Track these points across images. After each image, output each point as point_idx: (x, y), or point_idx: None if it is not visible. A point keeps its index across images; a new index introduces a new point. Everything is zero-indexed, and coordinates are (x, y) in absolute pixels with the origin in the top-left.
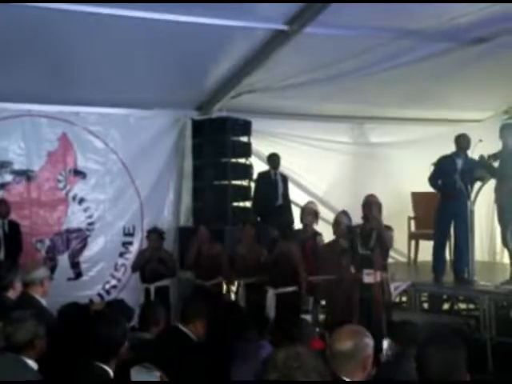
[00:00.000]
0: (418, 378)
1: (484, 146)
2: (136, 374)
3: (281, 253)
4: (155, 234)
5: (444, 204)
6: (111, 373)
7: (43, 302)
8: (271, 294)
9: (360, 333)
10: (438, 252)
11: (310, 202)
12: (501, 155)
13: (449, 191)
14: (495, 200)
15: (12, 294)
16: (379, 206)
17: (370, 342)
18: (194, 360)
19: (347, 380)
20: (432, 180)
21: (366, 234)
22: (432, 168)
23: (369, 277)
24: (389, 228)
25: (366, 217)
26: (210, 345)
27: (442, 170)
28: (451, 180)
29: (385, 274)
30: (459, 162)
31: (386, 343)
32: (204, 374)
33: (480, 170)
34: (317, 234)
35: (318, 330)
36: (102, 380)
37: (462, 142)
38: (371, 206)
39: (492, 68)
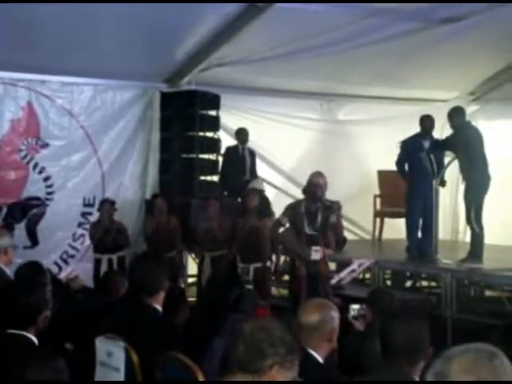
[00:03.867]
0: (382, 352)
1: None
2: (100, 343)
3: (252, 227)
4: (109, 204)
5: (414, 185)
6: (34, 339)
7: (7, 270)
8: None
9: (326, 306)
10: (413, 232)
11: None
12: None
13: (417, 171)
14: (462, 178)
15: None
16: (326, 186)
17: (335, 315)
18: (159, 331)
19: (312, 353)
20: (399, 165)
21: (311, 213)
22: (399, 148)
23: (316, 253)
24: (337, 204)
25: (313, 197)
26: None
27: (409, 151)
28: (418, 159)
29: (327, 250)
30: (425, 143)
31: (354, 306)
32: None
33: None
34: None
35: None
36: (24, 345)
37: (426, 123)
38: (321, 186)
39: (459, 49)
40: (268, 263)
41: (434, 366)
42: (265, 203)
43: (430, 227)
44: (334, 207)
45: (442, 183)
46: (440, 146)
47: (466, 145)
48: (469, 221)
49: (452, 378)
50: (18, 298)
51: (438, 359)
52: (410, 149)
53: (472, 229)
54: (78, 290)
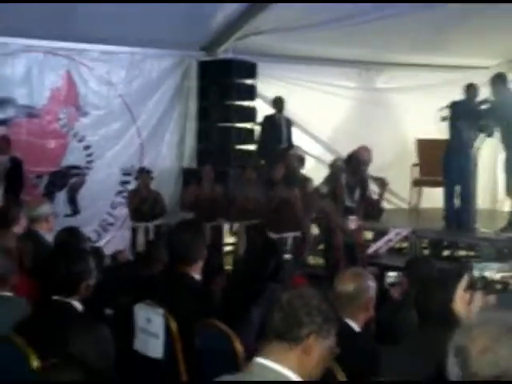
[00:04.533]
0: (419, 321)
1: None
2: (139, 310)
3: (282, 198)
4: (146, 173)
5: (451, 153)
6: (78, 305)
7: (48, 237)
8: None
9: (362, 275)
10: (450, 201)
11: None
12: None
13: (454, 140)
14: (503, 147)
15: (17, 230)
16: (370, 162)
17: (372, 284)
18: (197, 299)
19: (349, 322)
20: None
21: (351, 186)
22: (442, 113)
23: (352, 223)
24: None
25: (354, 170)
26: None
27: (454, 114)
28: (456, 127)
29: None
30: (467, 110)
31: (391, 273)
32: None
33: (485, 119)
34: (306, 180)
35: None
36: (69, 314)
37: (471, 91)
38: (366, 162)
39: (500, 15)
40: (302, 233)
41: (454, 339)
42: (294, 172)
43: (467, 196)
44: (378, 182)
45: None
46: (481, 116)
47: (508, 113)
48: (508, 190)
49: (471, 356)
50: (60, 266)
51: (459, 331)
52: (454, 112)
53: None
54: (123, 263)
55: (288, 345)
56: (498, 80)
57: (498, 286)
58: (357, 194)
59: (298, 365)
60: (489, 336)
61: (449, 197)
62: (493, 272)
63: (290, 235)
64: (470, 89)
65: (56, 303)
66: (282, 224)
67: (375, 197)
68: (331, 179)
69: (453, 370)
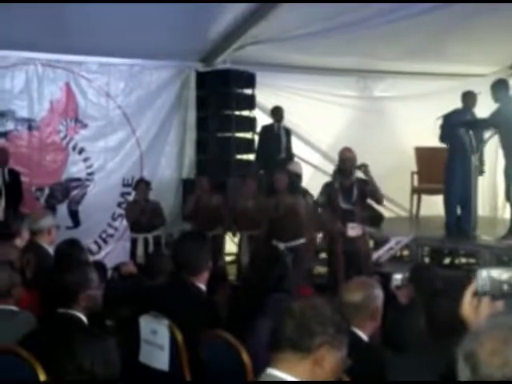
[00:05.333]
0: (427, 326)
1: (487, 100)
2: (144, 322)
3: (288, 206)
4: (144, 184)
5: (453, 161)
6: (83, 317)
7: (50, 250)
8: (282, 247)
9: (370, 284)
10: (452, 208)
11: (292, 164)
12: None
13: (456, 147)
14: (504, 154)
15: (19, 243)
16: (356, 159)
17: (379, 293)
18: (203, 310)
19: (357, 331)
20: (442, 138)
21: (346, 188)
22: (439, 122)
23: (353, 230)
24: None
25: (344, 172)
26: (246, 291)
27: (449, 124)
28: (457, 136)
29: (366, 227)
30: (465, 119)
31: (397, 276)
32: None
33: (485, 126)
34: (306, 193)
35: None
36: (74, 326)
37: (468, 99)
38: (350, 160)
39: (496, 22)
40: (307, 241)
41: (463, 345)
42: (296, 183)
43: (468, 203)
44: (361, 169)
45: (481, 172)
46: (481, 124)
47: (509, 119)
48: (508, 196)
49: (481, 360)
50: (57, 277)
51: (467, 337)
52: (450, 123)
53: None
54: (127, 276)
55: (300, 354)
56: (500, 86)
57: (506, 287)
58: (354, 195)
59: (310, 376)
60: (497, 339)
61: (451, 204)
62: (500, 273)
63: (295, 244)
64: (468, 96)
65: (61, 316)
66: (288, 232)
67: (370, 189)
68: (326, 187)
69: (463, 375)
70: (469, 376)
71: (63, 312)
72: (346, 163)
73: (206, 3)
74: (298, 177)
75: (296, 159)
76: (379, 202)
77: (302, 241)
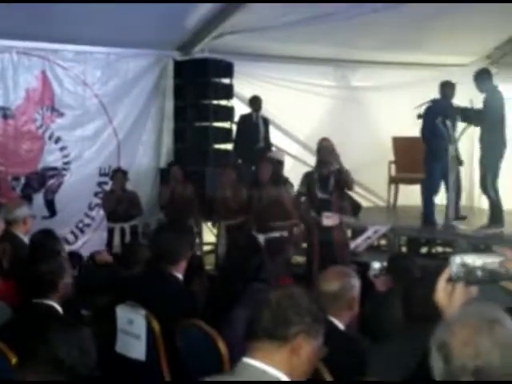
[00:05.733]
0: (404, 315)
1: (465, 90)
2: (121, 312)
3: (272, 197)
4: (121, 174)
5: (431, 151)
6: (58, 307)
7: (26, 240)
8: (262, 238)
9: (347, 274)
10: (430, 198)
11: (274, 152)
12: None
13: (434, 137)
14: (480, 147)
15: None
16: (333, 149)
17: (356, 282)
18: (180, 299)
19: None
20: (424, 129)
21: (323, 178)
22: (419, 113)
23: (328, 219)
24: (347, 172)
25: (321, 161)
26: (224, 281)
27: (430, 117)
28: (435, 125)
29: (343, 217)
30: (444, 109)
31: (375, 265)
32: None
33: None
34: (286, 182)
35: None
36: (49, 316)
37: (447, 89)
38: (326, 150)
39: (474, 12)
40: (289, 231)
41: (436, 335)
42: (278, 172)
43: (451, 193)
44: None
45: (460, 162)
46: (462, 115)
47: (490, 110)
48: (484, 186)
49: (453, 351)
50: (34, 267)
51: (440, 327)
52: (430, 115)
53: (488, 195)
54: (102, 265)
55: (277, 344)
56: (484, 76)
57: (479, 273)
58: (331, 185)
59: (287, 365)
60: (469, 329)
61: (429, 193)
62: (473, 259)
63: (276, 235)
64: (446, 86)
65: (36, 306)
66: (271, 223)
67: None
68: (306, 177)
69: (436, 365)
70: (441, 366)
71: (38, 302)
72: (322, 153)
73: None
74: (280, 164)
75: (274, 149)
76: (350, 187)
77: (284, 232)
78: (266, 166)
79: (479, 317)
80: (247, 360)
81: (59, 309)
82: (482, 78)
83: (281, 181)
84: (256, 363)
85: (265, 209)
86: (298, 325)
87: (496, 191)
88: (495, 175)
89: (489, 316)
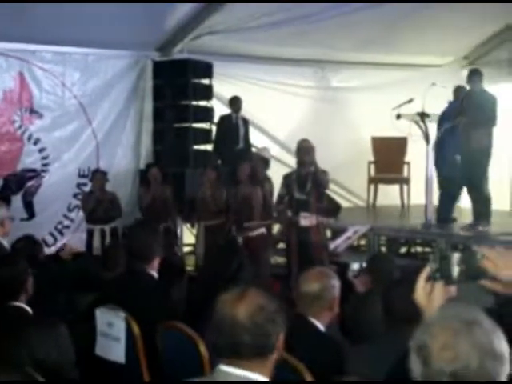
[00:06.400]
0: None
1: (442, 90)
2: (101, 314)
3: (244, 196)
4: (100, 175)
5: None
6: (27, 308)
7: (4, 242)
8: (240, 238)
9: (327, 275)
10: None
11: (260, 149)
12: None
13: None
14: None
15: None
16: (312, 150)
17: (336, 283)
18: (155, 296)
19: (314, 321)
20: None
21: (301, 178)
22: (395, 113)
23: (305, 220)
24: (324, 172)
25: (300, 162)
26: (203, 281)
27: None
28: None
29: (321, 217)
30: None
31: (354, 266)
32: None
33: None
34: (266, 179)
35: None
36: (20, 316)
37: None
38: (305, 150)
39: (450, 13)
40: (265, 231)
41: (415, 336)
42: (259, 170)
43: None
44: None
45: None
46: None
47: (480, 109)
48: (475, 184)
49: (432, 353)
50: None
51: (420, 329)
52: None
53: (480, 192)
54: (70, 259)
55: (266, 356)
56: (476, 76)
57: (459, 272)
58: (308, 185)
59: (272, 367)
60: (448, 332)
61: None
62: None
63: (252, 234)
64: (459, 91)
65: (7, 308)
66: (244, 222)
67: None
68: (286, 178)
69: (415, 367)
70: (420, 368)
71: (9, 305)
72: (299, 152)
73: None
74: (265, 162)
75: (254, 149)
76: (325, 187)
77: (261, 231)
78: (244, 165)
79: (458, 319)
80: (223, 368)
81: (29, 309)
82: (474, 77)
83: (259, 180)
84: (234, 370)
85: (239, 207)
86: (276, 331)
87: (486, 190)
88: (487, 173)
89: (467, 317)
